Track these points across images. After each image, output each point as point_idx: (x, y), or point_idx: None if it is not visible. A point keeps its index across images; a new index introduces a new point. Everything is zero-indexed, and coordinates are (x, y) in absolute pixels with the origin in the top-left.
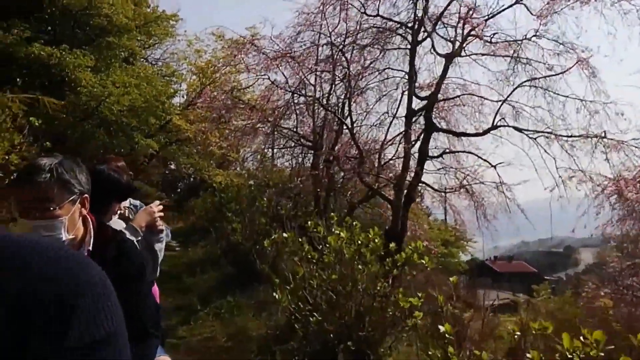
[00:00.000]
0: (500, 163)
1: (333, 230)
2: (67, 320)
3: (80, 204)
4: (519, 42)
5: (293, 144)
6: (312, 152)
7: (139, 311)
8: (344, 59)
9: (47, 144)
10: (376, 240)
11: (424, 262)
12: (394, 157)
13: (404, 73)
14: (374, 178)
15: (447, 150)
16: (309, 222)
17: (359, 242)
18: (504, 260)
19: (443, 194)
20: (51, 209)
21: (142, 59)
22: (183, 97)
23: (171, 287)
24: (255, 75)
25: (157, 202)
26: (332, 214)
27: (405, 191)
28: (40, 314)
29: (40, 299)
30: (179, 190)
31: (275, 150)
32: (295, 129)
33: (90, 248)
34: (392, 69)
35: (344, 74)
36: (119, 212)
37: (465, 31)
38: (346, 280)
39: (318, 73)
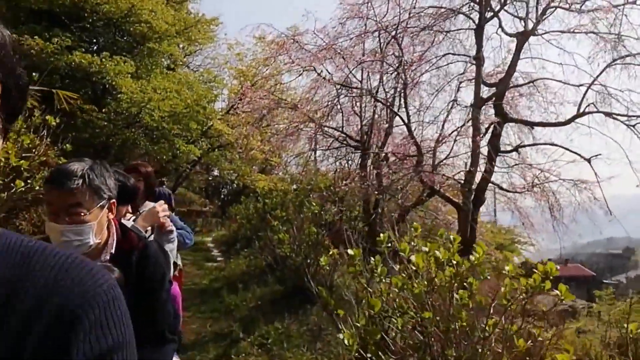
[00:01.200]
0: (597, 155)
1: (415, 245)
2: (69, 336)
3: (107, 208)
4: (620, 7)
5: (338, 145)
6: (360, 152)
7: (158, 317)
8: (397, 46)
9: (68, 146)
10: (478, 262)
11: (559, 293)
12: (451, 155)
13: (467, 58)
14: (437, 177)
15: (522, 144)
16: (381, 235)
17: (454, 262)
18: (559, 263)
19: (508, 194)
20: (82, 214)
21: (184, 66)
22: (224, 101)
23: (210, 307)
24: (299, 68)
25: (162, 201)
26: (414, 223)
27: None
28: (45, 328)
29: (46, 311)
30: (222, 196)
31: (318, 153)
32: (341, 128)
33: (113, 251)
34: (453, 54)
35: (398, 63)
36: (128, 215)
37: (545, 2)
38: (442, 318)
39: (365, 66)
